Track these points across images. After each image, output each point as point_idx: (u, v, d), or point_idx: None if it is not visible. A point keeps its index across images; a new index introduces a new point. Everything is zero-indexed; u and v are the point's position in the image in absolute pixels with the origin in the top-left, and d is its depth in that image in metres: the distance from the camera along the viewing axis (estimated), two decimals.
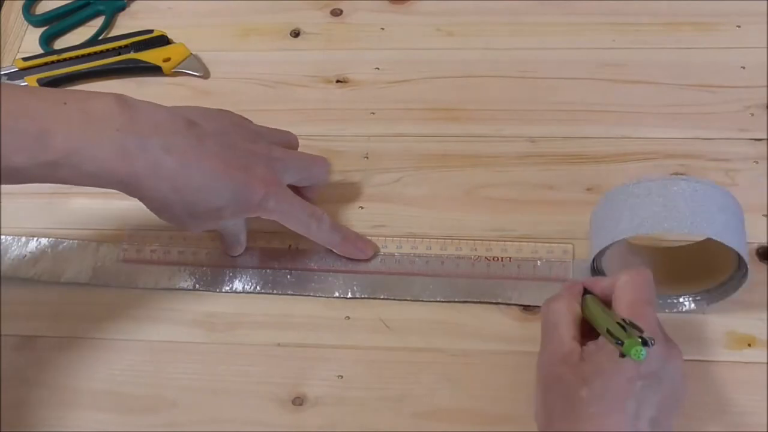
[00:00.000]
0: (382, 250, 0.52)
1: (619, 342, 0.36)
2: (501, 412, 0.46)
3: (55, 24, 0.66)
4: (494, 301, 0.49)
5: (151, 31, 0.63)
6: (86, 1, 0.66)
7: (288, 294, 0.51)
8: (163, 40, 0.63)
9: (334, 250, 0.51)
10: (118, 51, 0.62)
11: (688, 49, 0.59)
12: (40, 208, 0.56)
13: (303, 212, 0.48)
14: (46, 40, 0.65)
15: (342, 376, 0.48)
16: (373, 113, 0.58)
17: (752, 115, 0.55)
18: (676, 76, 0.57)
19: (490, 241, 0.51)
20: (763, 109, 0.55)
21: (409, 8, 0.64)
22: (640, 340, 0.36)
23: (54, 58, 0.62)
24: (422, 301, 0.50)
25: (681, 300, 0.47)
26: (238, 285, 0.51)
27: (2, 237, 0.54)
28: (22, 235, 0.54)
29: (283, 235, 0.52)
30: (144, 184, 0.43)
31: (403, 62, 0.60)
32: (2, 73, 0.62)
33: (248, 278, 0.51)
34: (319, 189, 0.52)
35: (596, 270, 0.47)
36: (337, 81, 0.60)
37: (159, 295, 0.52)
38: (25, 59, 0.62)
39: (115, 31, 0.65)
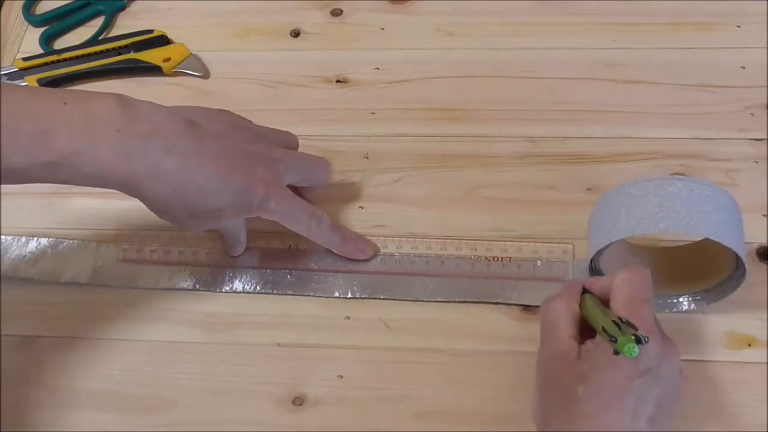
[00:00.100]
0: (382, 250, 0.52)
1: (613, 339, 0.37)
2: (501, 412, 0.46)
3: (55, 24, 0.66)
4: (494, 301, 0.49)
5: (151, 31, 0.63)
6: (86, 1, 0.66)
7: (288, 294, 0.51)
8: (163, 40, 0.63)
9: (334, 251, 0.51)
10: (118, 51, 0.62)
11: (688, 49, 0.59)
12: (40, 208, 0.56)
13: (303, 213, 0.48)
14: (46, 40, 0.65)
15: (342, 376, 0.48)
16: (373, 113, 0.58)
17: (752, 115, 0.55)
18: (676, 76, 0.57)
19: (490, 241, 0.51)
20: (763, 109, 0.55)
21: (409, 8, 0.64)
22: (633, 337, 0.36)
23: (54, 58, 0.62)
24: (422, 301, 0.50)
25: (680, 300, 0.47)
26: (238, 285, 0.51)
27: (2, 237, 0.54)
28: (22, 235, 0.54)
29: (283, 235, 0.52)
30: (145, 186, 0.43)
31: (403, 62, 0.60)
32: (2, 73, 0.62)
33: (248, 278, 0.51)
34: (319, 189, 0.52)
35: (594, 270, 0.47)
36: (337, 81, 0.60)
37: (159, 295, 0.52)
38: (25, 59, 0.62)
39: (115, 31, 0.65)
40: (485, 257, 0.51)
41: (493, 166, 0.55)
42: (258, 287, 0.51)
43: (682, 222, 0.41)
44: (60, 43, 0.65)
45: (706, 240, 0.42)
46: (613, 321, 0.38)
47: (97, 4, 0.66)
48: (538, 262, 0.50)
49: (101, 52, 0.62)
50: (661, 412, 0.38)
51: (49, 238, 0.54)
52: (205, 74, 0.62)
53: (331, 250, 0.51)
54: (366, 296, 0.50)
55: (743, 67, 0.57)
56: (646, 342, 0.37)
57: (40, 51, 0.64)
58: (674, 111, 0.56)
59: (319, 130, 0.58)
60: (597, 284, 0.42)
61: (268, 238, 0.52)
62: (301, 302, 0.50)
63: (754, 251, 0.49)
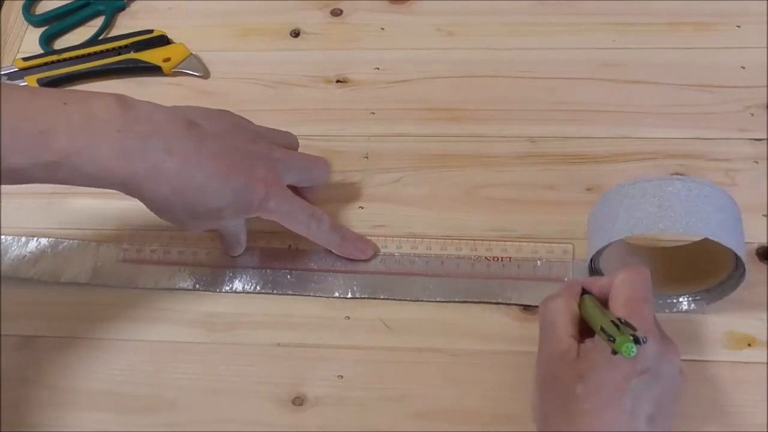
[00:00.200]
0: (382, 250, 0.52)
1: (611, 339, 0.37)
2: (501, 412, 0.46)
3: (55, 24, 0.66)
4: (494, 301, 0.49)
5: (151, 31, 0.63)
6: (86, 1, 0.66)
7: (288, 294, 0.51)
8: (163, 40, 0.63)
9: (334, 251, 0.51)
10: (118, 51, 0.62)
11: (688, 49, 0.59)
12: (40, 208, 0.56)
13: (303, 213, 0.48)
14: (46, 40, 0.65)
15: (342, 376, 0.48)
16: (373, 113, 0.58)
17: (752, 115, 0.55)
18: (676, 76, 0.57)
19: (490, 241, 0.51)
20: (763, 109, 0.55)
21: (409, 8, 0.64)
22: (631, 337, 0.36)
23: (54, 58, 0.62)
24: (422, 301, 0.50)
25: (680, 300, 0.47)
26: (238, 285, 0.51)
27: (2, 237, 0.54)
28: (22, 235, 0.54)
29: (283, 235, 0.52)
30: (145, 186, 0.43)
31: (403, 62, 0.60)
32: (2, 73, 0.62)
33: (248, 278, 0.51)
34: (319, 189, 0.52)
35: (594, 270, 0.47)
36: (337, 81, 0.60)
37: (159, 295, 0.52)
38: (25, 59, 0.62)
39: (115, 31, 0.65)
40: (485, 257, 0.51)
41: (493, 166, 0.55)
42: (258, 287, 0.51)
43: (681, 222, 0.41)
44: (60, 43, 0.65)
45: (706, 240, 0.42)
46: (612, 321, 0.38)
47: (97, 4, 0.66)
48: (538, 262, 0.50)
49: (101, 52, 0.62)
50: (660, 411, 0.38)
51: (49, 238, 0.54)
52: (205, 74, 0.62)
53: (331, 250, 0.51)
54: (366, 296, 0.50)
55: (743, 67, 0.57)
56: (644, 342, 0.37)
57: (40, 51, 0.64)
58: (674, 111, 0.56)
59: (319, 130, 0.58)
60: (596, 284, 0.42)
61: (268, 238, 0.52)
62: (301, 302, 0.50)
63: (754, 251, 0.49)
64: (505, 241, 0.51)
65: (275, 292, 0.51)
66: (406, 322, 0.49)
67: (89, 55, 0.62)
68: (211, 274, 0.52)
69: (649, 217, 0.42)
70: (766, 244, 0.49)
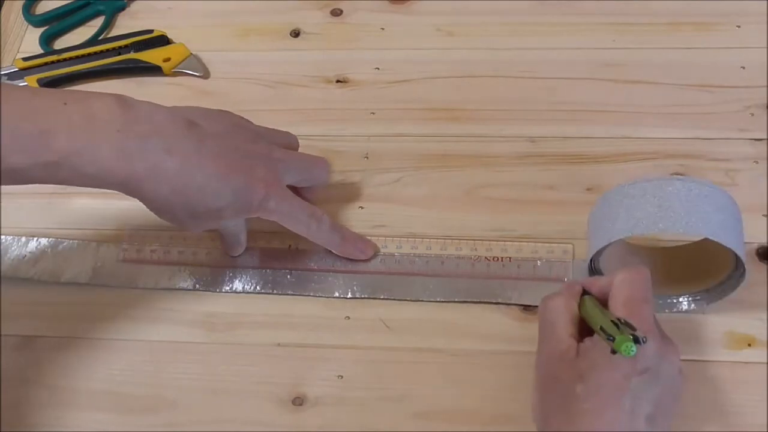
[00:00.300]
0: (382, 250, 0.52)
1: (611, 338, 0.37)
2: (501, 412, 0.46)
3: (55, 24, 0.66)
4: (494, 301, 0.49)
5: (151, 31, 0.63)
6: (86, 1, 0.66)
7: (288, 294, 0.51)
8: (163, 40, 0.63)
9: (334, 251, 0.51)
10: (118, 51, 0.62)
11: (688, 49, 0.59)
12: (40, 208, 0.56)
13: (303, 213, 0.48)
14: (46, 40, 0.65)
15: (342, 376, 0.48)
16: (373, 113, 0.58)
17: (752, 115, 0.55)
18: (676, 76, 0.57)
19: (489, 241, 0.51)
20: (763, 109, 0.55)
21: (409, 8, 0.64)
22: (631, 337, 0.36)
23: (54, 58, 0.62)
24: (422, 301, 0.50)
25: (680, 300, 0.47)
26: (238, 285, 0.51)
27: (2, 237, 0.54)
28: (22, 235, 0.54)
29: (283, 235, 0.52)
30: (145, 186, 0.42)
31: (403, 62, 0.60)
32: (2, 73, 0.62)
33: (248, 278, 0.51)
34: (319, 189, 0.52)
35: (594, 270, 0.47)
36: (337, 81, 0.60)
37: (159, 295, 0.52)
38: (25, 59, 0.62)
39: (115, 31, 0.65)
40: (485, 257, 0.51)
41: (493, 166, 0.55)
42: (258, 287, 0.51)
43: (680, 222, 0.41)
44: (60, 43, 0.65)
45: (706, 240, 0.42)
46: (612, 321, 0.38)
47: (97, 4, 0.66)
48: (538, 262, 0.50)
49: (101, 52, 0.62)
50: (659, 411, 0.38)
51: (49, 238, 0.54)
52: (205, 74, 0.62)
53: (331, 251, 0.51)
54: (366, 296, 0.50)
55: (743, 67, 0.57)
56: (644, 342, 0.37)
57: (40, 51, 0.64)
58: (674, 111, 0.56)
59: (319, 130, 0.58)
60: (596, 284, 0.42)
61: (268, 238, 0.52)
62: (301, 302, 0.50)
63: (754, 251, 0.49)
64: (505, 241, 0.51)
65: (275, 292, 0.51)
66: (406, 322, 0.49)
67: (89, 55, 0.62)
68: (211, 274, 0.52)
69: (649, 217, 0.42)
70: (766, 244, 0.49)
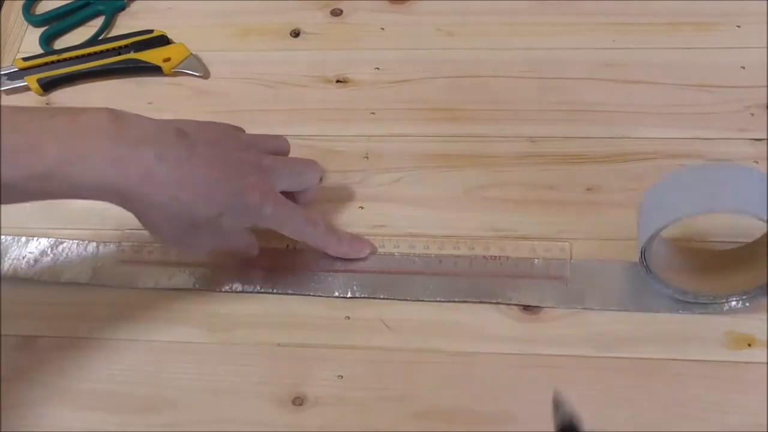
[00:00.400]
0: (382, 250, 0.52)
1: None
2: (501, 412, 0.46)
3: (55, 24, 0.66)
4: (494, 301, 0.49)
5: (151, 31, 0.63)
6: (86, 1, 0.66)
7: (288, 293, 0.51)
8: (163, 40, 0.63)
9: (330, 253, 0.51)
10: (118, 51, 0.62)
11: (688, 49, 0.59)
12: (40, 208, 0.56)
13: (299, 218, 0.48)
14: (46, 40, 0.65)
15: (342, 376, 0.48)
16: (373, 113, 0.58)
17: (752, 115, 0.55)
18: (676, 76, 0.57)
19: (490, 240, 0.51)
20: (763, 109, 0.55)
21: (409, 8, 0.64)
22: None
23: (54, 58, 0.62)
24: (422, 301, 0.50)
25: (729, 300, 0.47)
26: (238, 285, 0.51)
27: (2, 237, 0.54)
28: (22, 235, 0.54)
29: (281, 235, 0.51)
30: (140, 192, 0.42)
31: (403, 62, 0.60)
32: (2, 73, 0.62)
33: (248, 278, 0.51)
34: (313, 192, 0.52)
35: (645, 267, 0.46)
36: (337, 81, 0.60)
37: (159, 295, 0.52)
38: (25, 59, 0.62)
39: (115, 31, 0.65)
40: (483, 256, 0.51)
41: (493, 166, 0.55)
42: (258, 287, 0.51)
43: (731, 201, 0.40)
44: (60, 43, 0.65)
45: (751, 243, 0.41)
46: None
47: (97, 4, 0.66)
48: (536, 261, 0.50)
49: (101, 52, 0.62)
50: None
51: (49, 238, 0.54)
52: (205, 74, 0.62)
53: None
54: (366, 296, 0.50)
55: (743, 67, 0.57)
56: None
57: (40, 51, 0.64)
58: (674, 111, 0.56)
59: (319, 130, 0.58)
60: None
61: (267, 238, 0.52)
62: (301, 302, 0.50)
63: None
64: (505, 240, 0.51)
65: (275, 291, 0.51)
66: (406, 322, 0.49)
67: (89, 55, 0.62)
68: (211, 274, 0.52)
69: (701, 199, 0.41)
70: None
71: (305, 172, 0.51)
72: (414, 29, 0.62)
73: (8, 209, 0.55)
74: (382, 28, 0.63)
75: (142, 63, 0.62)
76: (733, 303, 0.47)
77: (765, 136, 0.54)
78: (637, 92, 0.57)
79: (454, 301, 0.49)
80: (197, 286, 0.52)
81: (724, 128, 0.55)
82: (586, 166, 0.54)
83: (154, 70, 0.61)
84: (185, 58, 0.62)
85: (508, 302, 0.49)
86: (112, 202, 0.43)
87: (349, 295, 0.50)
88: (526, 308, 0.49)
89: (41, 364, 0.50)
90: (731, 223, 0.47)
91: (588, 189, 0.53)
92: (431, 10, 0.63)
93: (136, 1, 0.67)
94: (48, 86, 0.61)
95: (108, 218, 0.55)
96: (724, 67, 0.57)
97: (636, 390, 0.46)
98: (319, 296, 0.50)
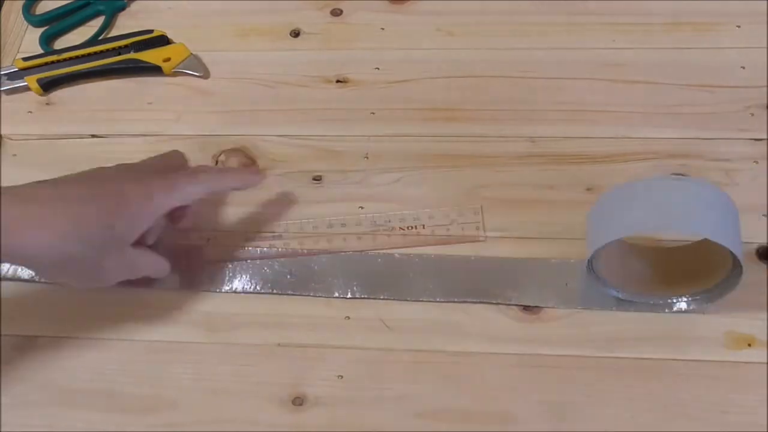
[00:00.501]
0: (382, 250, 0.52)
1: None
2: (501, 412, 0.46)
3: (55, 24, 0.66)
4: (494, 302, 0.49)
5: (151, 31, 0.63)
6: (86, 1, 0.66)
7: (288, 294, 0.51)
8: (163, 40, 0.63)
9: (235, 187, 0.51)
10: (118, 51, 0.62)
11: (688, 49, 0.59)
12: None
13: (188, 180, 0.48)
14: (46, 40, 0.65)
15: (342, 376, 0.48)
16: (373, 113, 0.58)
17: (752, 115, 0.55)
18: (676, 76, 0.57)
19: (489, 240, 0.51)
20: (763, 109, 0.55)
21: (409, 8, 0.64)
22: None
23: (54, 58, 0.62)
24: (422, 301, 0.50)
25: (679, 300, 0.47)
26: (237, 285, 0.51)
27: None
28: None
29: (198, 230, 0.52)
30: (27, 235, 0.41)
31: (403, 62, 0.60)
32: (2, 73, 0.62)
33: (248, 278, 0.51)
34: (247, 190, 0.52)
35: (593, 271, 0.47)
36: (337, 81, 0.60)
37: (159, 295, 0.52)
38: (25, 59, 0.62)
39: (115, 31, 0.65)
40: (484, 257, 0.51)
41: (493, 166, 0.55)
42: (258, 287, 0.51)
43: (675, 222, 0.41)
44: (60, 43, 0.65)
45: (705, 240, 0.42)
46: None
47: (97, 4, 0.66)
48: (536, 261, 0.50)
49: (101, 52, 0.62)
50: None
51: None
52: (205, 74, 0.62)
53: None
54: (366, 296, 0.50)
55: (743, 67, 0.57)
56: None
57: (40, 51, 0.64)
58: (674, 111, 0.56)
59: (319, 130, 0.58)
60: None
61: (184, 235, 0.52)
62: (301, 302, 0.50)
63: (754, 251, 0.49)
64: (504, 240, 0.51)
65: (275, 291, 0.51)
66: (406, 322, 0.49)
67: (89, 55, 0.62)
68: (211, 274, 0.52)
69: (644, 217, 0.42)
70: (766, 244, 0.49)
71: (221, 183, 0.50)
72: (414, 29, 0.62)
73: None
74: (382, 28, 0.63)
75: (142, 63, 0.61)
76: (683, 305, 0.47)
77: (765, 136, 0.54)
78: (637, 92, 0.57)
79: (454, 302, 0.49)
80: (197, 285, 0.52)
81: (724, 128, 0.55)
82: (586, 166, 0.54)
83: (154, 70, 0.61)
84: (185, 58, 0.62)
85: (508, 302, 0.49)
86: (7, 261, 0.43)
87: (348, 295, 0.50)
88: (526, 308, 0.49)
89: (41, 364, 0.50)
90: None
91: (588, 189, 0.53)
92: (431, 10, 0.63)
93: (136, 1, 0.67)
94: (48, 86, 0.61)
95: None
96: (724, 67, 0.57)
97: (636, 390, 0.46)
98: (319, 296, 0.50)
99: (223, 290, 0.51)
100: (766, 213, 0.51)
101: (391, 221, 0.52)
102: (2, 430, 0.48)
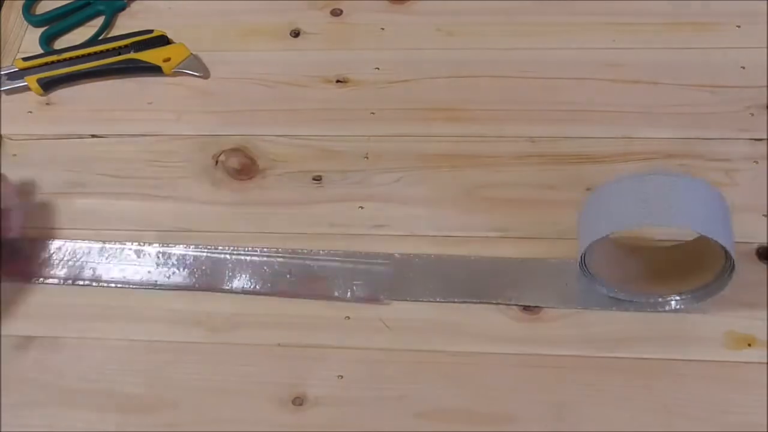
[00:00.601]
0: (382, 250, 0.52)
1: None
2: (501, 412, 0.46)
3: (55, 24, 0.66)
4: (494, 302, 0.49)
5: (151, 31, 0.63)
6: (86, 1, 0.66)
7: (288, 294, 0.51)
8: (163, 40, 0.63)
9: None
10: (118, 51, 0.62)
11: (688, 49, 0.59)
12: (40, 209, 0.56)
13: None
14: (46, 40, 0.65)
15: (342, 376, 0.48)
16: (373, 113, 0.58)
17: (752, 115, 0.55)
18: (676, 76, 0.57)
19: (489, 240, 0.51)
20: (763, 109, 0.55)
21: (409, 8, 0.64)
22: None
23: (54, 58, 0.62)
24: (422, 301, 0.50)
25: (669, 299, 0.47)
26: (237, 285, 0.51)
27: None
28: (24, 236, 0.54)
29: None
30: None
31: (403, 62, 0.60)
32: (2, 73, 0.62)
33: (248, 278, 0.51)
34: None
35: (585, 270, 0.47)
36: (337, 81, 0.60)
37: (159, 295, 0.52)
38: (25, 59, 0.62)
39: (115, 31, 0.65)
40: (484, 257, 0.51)
41: (493, 166, 0.55)
42: (257, 287, 0.51)
43: (662, 216, 0.41)
44: (60, 43, 0.65)
45: (699, 238, 0.42)
46: None
47: (97, 4, 0.66)
48: (536, 261, 0.50)
49: (101, 52, 0.62)
50: None
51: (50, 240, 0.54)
52: (205, 74, 0.62)
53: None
54: (366, 296, 0.50)
55: (743, 67, 0.57)
56: None
57: (40, 51, 0.64)
58: (674, 111, 0.56)
59: (319, 130, 0.58)
60: None
61: None
62: (301, 302, 0.50)
63: (754, 251, 0.49)
64: (505, 240, 0.51)
65: (274, 291, 0.51)
66: (406, 322, 0.49)
67: (89, 55, 0.62)
68: (211, 274, 0.52)
69: (631, 213, 0.42)
70: (766, 244, 0.49)
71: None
72: (414, 29, 0.62)
73: None
74: (382, 28, 0.63)
75: (142, 63, 0.61)
76: (673, 304, 0.47)
77: (765, 136, 0.54)
78: (637, 92, 0.57)
79: (454, 302, 0.49)
80: (197, 286, 0.52)
81: (724, 128, 0.54)
82: (586, 166, 0.54)
83: (154, 70, 0.61)
84: (185, 58, 0.62)
85: (508, 302, 0.49)
86: None
87: (348, 295, 0.50)
88: (526, 308, 0.49)
89: (41, 364, 0.50)
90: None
91: (588, 189, 0.53)
92: (431, 10, 0.63)
93: (136, 1, 0.67)
94: (48, 86, 0.61)
95: (108, 219, 0.55)
96: (724, 67, 0.57)
97: (636, 390, 0.46)
98: (319, 297, 0.50)
99: (222, 290, 0.51)
100: (766, 213, 0.51)
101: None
102: (2, 430, 0.48)
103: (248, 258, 0.52)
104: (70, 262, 0.53)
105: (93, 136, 0.59)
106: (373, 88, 0.59)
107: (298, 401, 0.47)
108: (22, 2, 0.67)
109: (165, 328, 0.50)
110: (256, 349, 0.49)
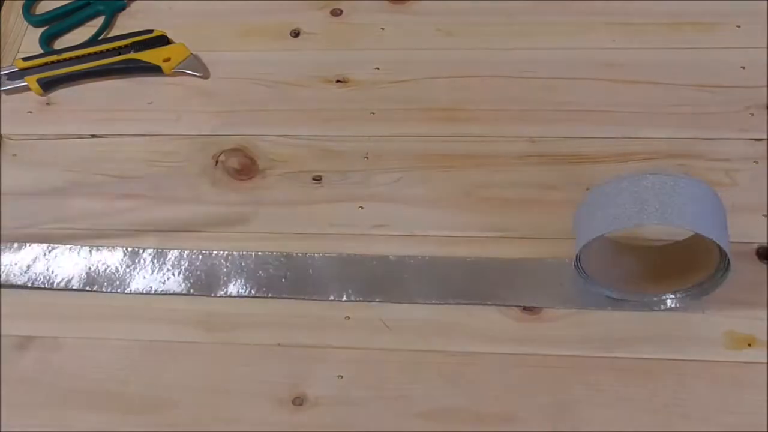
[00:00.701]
0: (382, 251, 0.52)
1: None
2: (501, 412, 0.46)
3: (55, 24, 0.66)
4: (490, 303, 0.49)
5: (151, 31, 0.63)
6: (86, 1, 0.66)
7: (283, 297, 0.51)
8: (163, 40, 0.63)
9: None
10: (118, 51, 0.62)
11: (688, 49, 0.59)
12: (40, 208, 0.56)
13: None
14: (46, 40, 0.65)
15: (342, 376, 0.48)
16: (373, 113, 0.58)
17: (752, 115, 0.55)
18: (676, 76, 0.57)
19: (489, 240, 0.51)
20: (763, 109, 0.55)
21: (409, 8, 0.64)
22: None
23: (54, 58, 0.62)
24: (419, 303, 0.50)
25: (665, 297, 0.47)
26: (232, 289, 0.51)
27: None
28: (19, 237, 0.54)
29: None
30: None
31: (403, 62, 0.60)
32: (2, 73, 0.62)
33: (243, 282, 0.51)
34: None
35: (581, 270, 0.47)
36: (337, 81, 0.60)
37: (159, 295, 0.52)
38: (25, 59, 0.62)
39: (115, 31, 0.65)
40: (481, 258, 0.51)
41: (493, 166, 0.55)
42: (253, 291, 0.51)
43: (655, 215, 0.41)
44: (60, 43, 0.65)
45: (693, 237, 0.42)
46: None
47: (97, 4, 0.66)
48: (538, 262, 0.50)
49: (101, 52, 0.62)
50: None
51: (41, 243, 0.54)
52: (205, 74, 0.62)
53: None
54: (362, 299, 0.50)
55: (743, 67, 0.57)
56: None
57: (40, 51, 0.64)
58: (674, 111, 0.56)
59: (319, 130, 0.58)
60: None
61: None
62: (301, 302, 0.50)
63: (754, 251, 0.49)
64: (505, 240, 0.51)
65: (270, 295, 0.51)
66: (406, 323, 0.49)
67: (89, 55, 0.62)
68: (206, 279, 0.52)
69: (625, 213, 0.42)
70: (766, 244, 0.49)
71: None
72: (414, 29, 0.62)
73: (8, 209, 0.55)
74: (382, 28, 0.63)
75: (142, 63, 0.61)
76: (669, 303, 0.47)
77: (765, 136, 0.54)
78: (637, 92, 0.57)
79: (449, 304, 0.49)
80: (192, 290, 0.51)
81: (724, 128, 0.54)
82: (586, 166, 0.54)
83: (154, 70, 0.61)
84: (185, 58, 0.62)
85: (505, 303, 0.49)
86: None
87: (344, 298, 0.50)
88: (526, 308, 0.49)
89: (41, 364, 0.50)
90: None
91: (588, 189, 0.53)
92: (431, 10, 0.63)
93: (136, 1, 0.67)
94: (48, 86, 0.61)
95: (105, 220, 0.55)
96: (724, 67, 0.57)
97: (636, 390, 0.46)
98: (315, 299, 0.50)
99: (218, 295, 0.51)
100: (766, 213, 0.51)
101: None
102: (2, 430, 0.48)
103: (243, 263, 0.52)
104: (61, 268, 0.53)
105: (93, 136, 0.59)
106: (373, 88, 0.59)
107: (298, 401, 0.47)
108: (22, 2, 0.67)
109: (165, 328, 0.50)
110: (256, 349, 0.49)
